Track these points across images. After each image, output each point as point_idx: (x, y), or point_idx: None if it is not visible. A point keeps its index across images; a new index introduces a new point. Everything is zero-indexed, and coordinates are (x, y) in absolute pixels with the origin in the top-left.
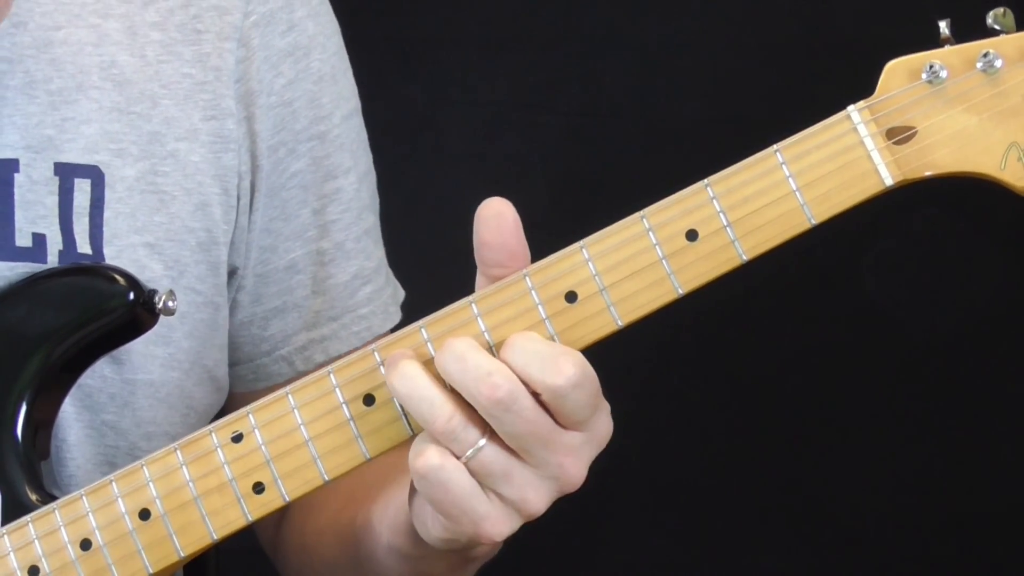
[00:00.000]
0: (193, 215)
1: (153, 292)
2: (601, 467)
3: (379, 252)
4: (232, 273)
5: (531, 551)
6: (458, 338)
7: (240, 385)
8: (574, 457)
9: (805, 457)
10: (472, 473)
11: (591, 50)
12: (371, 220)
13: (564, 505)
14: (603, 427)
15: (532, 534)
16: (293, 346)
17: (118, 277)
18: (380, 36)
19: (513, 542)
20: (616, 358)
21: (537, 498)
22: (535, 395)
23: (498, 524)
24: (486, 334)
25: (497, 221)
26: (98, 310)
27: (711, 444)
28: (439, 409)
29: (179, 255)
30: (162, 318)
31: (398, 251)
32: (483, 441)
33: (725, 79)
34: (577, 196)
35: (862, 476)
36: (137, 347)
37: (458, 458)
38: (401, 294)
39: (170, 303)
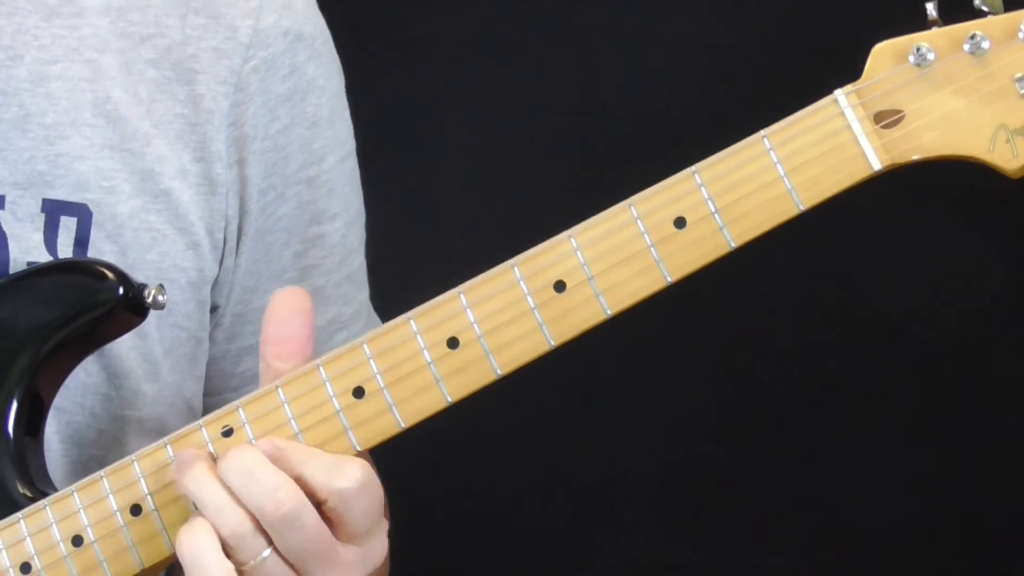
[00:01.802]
0: (184, 254)
1: (143, 286)
2: (604, 469)
3: (361, 295)
4: (212, 310)
5: (531, 551)
6: (244, 449)
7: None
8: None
9: (805, 457)
10: None
11: (591, 50)
12: (355, 263)
13: (566, 505)
14: (379, 547)
15: (534, 534)
16: None
17: (107, 272)
18: (379, 35)
19: (514, 541)
20: (617, 360)
21: None
22: (320, 505)
23: None
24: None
25: (296, 318)
26: (87, 305)
27: (710, 444)
28: (228, 515)
29: (168, 293)
30: (151, 357)
31: (396, 250)
32: (267, 552)
33: (719, 72)
34: (576, 196)
35: (862, 476)
36: (128, 384)
37: (240, 565)
38: None
39: (160, 297)
